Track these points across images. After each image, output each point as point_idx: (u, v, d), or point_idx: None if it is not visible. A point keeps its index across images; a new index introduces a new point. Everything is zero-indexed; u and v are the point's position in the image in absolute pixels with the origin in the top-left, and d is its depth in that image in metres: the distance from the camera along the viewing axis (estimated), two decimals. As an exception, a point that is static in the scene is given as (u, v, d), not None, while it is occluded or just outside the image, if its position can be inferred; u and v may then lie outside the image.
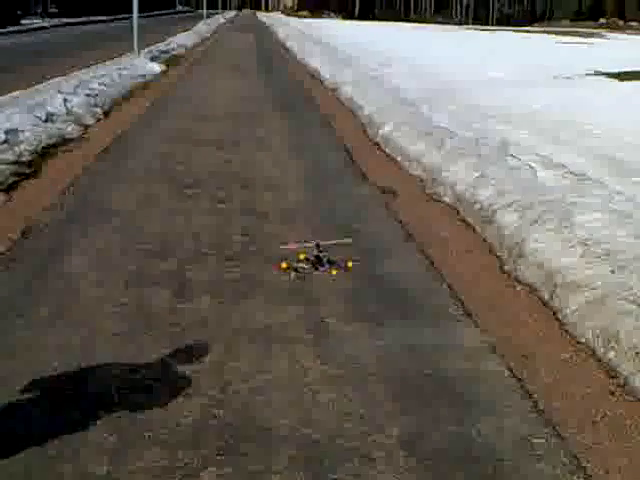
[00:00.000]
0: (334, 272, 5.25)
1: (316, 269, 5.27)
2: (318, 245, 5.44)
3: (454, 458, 3.19)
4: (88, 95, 12.57)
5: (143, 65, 18.78)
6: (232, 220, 6.49)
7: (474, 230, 6.38)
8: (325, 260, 5.34)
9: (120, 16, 53.52)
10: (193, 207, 6.84)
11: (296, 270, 5.24)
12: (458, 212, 6.88)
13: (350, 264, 5.38)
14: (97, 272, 5.15)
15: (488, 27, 79.72)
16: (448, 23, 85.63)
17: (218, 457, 3.11)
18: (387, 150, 9.73)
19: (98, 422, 3.30)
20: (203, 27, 45.42)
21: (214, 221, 6.44)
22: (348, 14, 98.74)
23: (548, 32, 63.14)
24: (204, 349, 4.03)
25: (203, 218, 6.51)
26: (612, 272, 4.61)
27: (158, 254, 5.55)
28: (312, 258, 5.35)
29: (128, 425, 3.30)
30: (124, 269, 5.23)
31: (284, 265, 5.30)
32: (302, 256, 5.40)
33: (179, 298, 4.74)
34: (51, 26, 44.93)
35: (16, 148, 8.42)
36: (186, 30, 38.54)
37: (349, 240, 5.83)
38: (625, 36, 60.12)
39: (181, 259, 5.45)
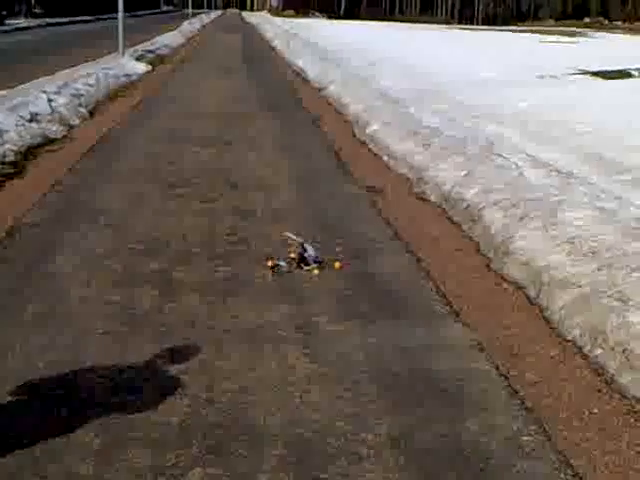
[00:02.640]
0: (316, 272, 5.23)
1: (300, 268, 5.25)
2: (303, 245, 5.43)
3: (442, 456, 3.18)
4: (73, 95, 12.50)
5: (128, 65, 18.71)
6: (220, 219, 6.47)
7: (461, 228, 6.39)
8: (311, 259, 5.32)
9: (104, 16, 53.27)
10: (180, 207, 6.81)
11: (273, 268, 5.21)
12: (445, 211, 6.88)
13: (337, 264, 5.35)
14: (83, 271, 5.12)
15: (473, 26, 79.94)
16: (434, 22, 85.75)
17: (206, 456, 3.10)
18: (374, 149, 9.73)
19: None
20: (188, 27, 45.27)
21: (202, 221, 6.41)
22: (333, 14, 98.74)
23: (533, 31, 63.35)
24: (192, 347, 4.02)
25: (191, 218, 6.49)
26: (598, 270, 4.62)
27: (145, 253, 5.52)
28: (296, 257, 5.33)
29: (115, 425, 3.29)
30: (111, 268, 5.20)
31: (270, 263, 5.29)
32: (292, 255, 5.38)
33: (167, 297, 4.72)
34: (36, 26, 44.70)
35: (0, 148, 8.36)
36: (171, 30, 38.42)
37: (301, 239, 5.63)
38: (610, 35, 60.42)
39: (169, 258, 5.42)
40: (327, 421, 3.39)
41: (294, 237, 5.59)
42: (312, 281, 5.10)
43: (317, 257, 5.36)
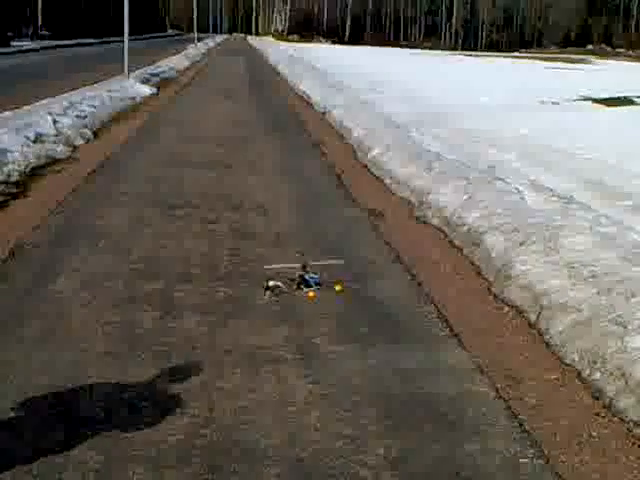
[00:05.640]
0: (311, 294, 5.23)
1: (300, 289, 5.26)
2: (304, 266, 5.43)
3: (441, 478, 3.19)
4: (78, 116, 12.60)
5: (133, 88, 18.83)
6: (222, 243, 6.48)
7: (462, 252, 6.40)
8: (312, 282, 5.33)
9: (111, 39, 53.64)
10: (182, 229, 6.84)
11: (269, 289, 5.22)
12: (446, 234, 6.91)
13: (338, 287, 5.36)
14: (84, 290, 5.14)
15: (477, 53, 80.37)
16: (437, 49, 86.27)
17: (205, 476, 3.10)
18: (376, 173, 9.77)
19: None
20: (193, 50, 45.59)
21: (203, 243, 6.44)
22: (338, 39, 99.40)
23: (536, 58, 63.71)
24: (193, 367, 4.04)
25: (191, 239, 6.51)
26: (598, 294, 4.63)
27: (146, 274, 5.54)
28: (297, 279, 5.34)
29: (115, 443, 3.30)
30: (111, 288, 5.22)
31: (270, 284, 5.27)
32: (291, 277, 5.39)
33: (167, 317, 4.74)
34: (41, 48, 45.01)
35: (5, 168, 8.42)
36: (176, 53, 38.69)
37: (340, 261, 5.81)
38: (613, 62, 60.76)
39: (170, 279, 5.44)
40: (327, 442, 3.40)
41: (278, 266, 5.58)
42: (313, 303, 5.12)
43: (318, 279, 5.38)
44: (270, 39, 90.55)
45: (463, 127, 13.46)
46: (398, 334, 4.67)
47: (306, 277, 5.35)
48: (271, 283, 5.27)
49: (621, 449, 3.49)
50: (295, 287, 5.28)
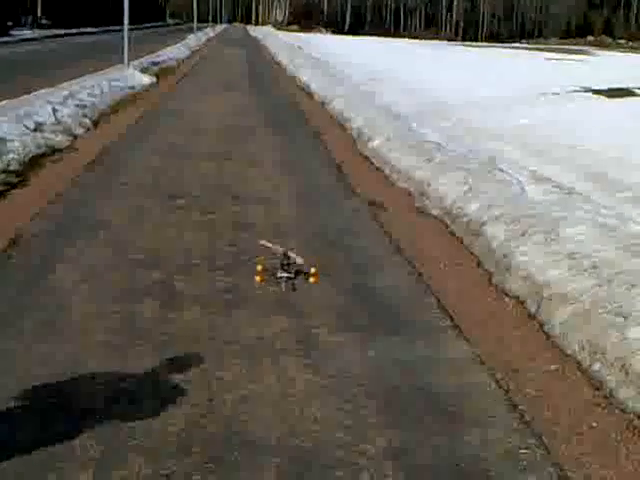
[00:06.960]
0: (312, 280, 5.25)
1: (293, 278, 5.24)
2: (285, 253, 5.38)
3: (441, 469, 3.19)
4: (77, 106, 12.56)
5: (133, 77, 18.78)
6: (221, 233, 6.47)
7: (462, 243, 6.40)
8: (294, 269, 5.30)
9: (110, 28, 53.39)
10: (181, 219, 6.83)
11: (282, 280, 5.21)
12: (446, 225, 6.90)
13: (313, 270, 5.32)
14: (84, 281, 5.13)
15: (477, 43, 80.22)
16: (437, 39, 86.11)
17: (205, 466, 3.10)
18: (376, 164, 9.76)
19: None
20: (193, 40, 45.44)
21: (203, 234, 6.42)
22: (338, 29, 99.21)
23: (536, 49, 63.60)
24: (193, 357, 4.04)
25: (191, 230, 6.50)
26: (598, 285, 4.63)
27: (146, 265, 5.53)
28: (286, 267, 5.28)
29: (115, 433, 3.30)
30: (112, 279, 5.22)
31: (258, 278, 5.26)
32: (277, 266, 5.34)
33: (167, 308, 4.74)
34: (41, 37, 44.86)
35: (4, 157, 8.39)
36: (176, 43, 38.55)
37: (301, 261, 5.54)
38: (613, 53, 60.66)
39: (170, 270, 5.43)
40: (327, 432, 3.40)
41: (270, 245, 5.59)
42: (310, 295, 5.11)
43: (300, 266, 5.34)
44: (270, 29, 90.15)
45: (463, 118, 13.44)
46: (398, 325, 4.67)
47: (290, 263, 5.31)
48: (260, 278, 5.26)
49: (621, 440, 3.49)
50: (291, 274, 5.25)
